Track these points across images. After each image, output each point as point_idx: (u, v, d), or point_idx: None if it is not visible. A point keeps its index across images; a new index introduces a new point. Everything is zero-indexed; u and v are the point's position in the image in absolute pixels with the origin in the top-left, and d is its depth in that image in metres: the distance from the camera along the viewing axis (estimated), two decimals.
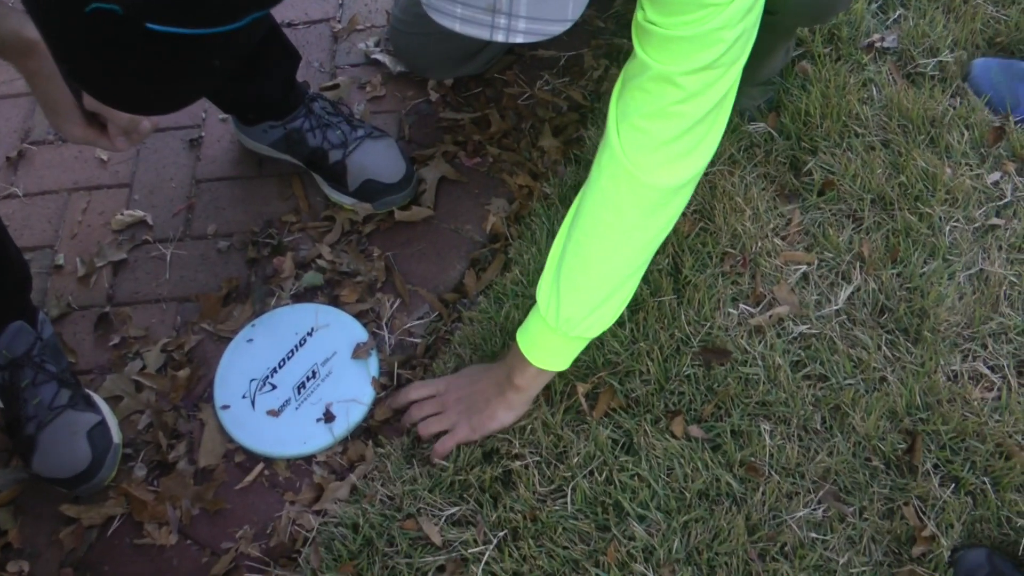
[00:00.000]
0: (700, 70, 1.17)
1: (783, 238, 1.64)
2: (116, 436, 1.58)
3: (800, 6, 1.47)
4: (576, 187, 1.66)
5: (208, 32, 0.77)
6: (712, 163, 1.68)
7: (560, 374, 1.49)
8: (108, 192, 1.92)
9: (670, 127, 1.23)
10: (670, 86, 1.19)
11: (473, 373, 1.53)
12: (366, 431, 1.58)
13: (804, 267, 1.61)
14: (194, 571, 1.48)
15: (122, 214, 1.86)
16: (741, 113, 1.77)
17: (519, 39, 0.94)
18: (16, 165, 1.95)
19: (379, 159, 1.77)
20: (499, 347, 1.57)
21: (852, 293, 1.58)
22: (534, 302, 1.40)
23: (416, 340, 1.66)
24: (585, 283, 1.35)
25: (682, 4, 1.12)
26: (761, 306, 1.58)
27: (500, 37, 0.94)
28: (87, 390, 1.61)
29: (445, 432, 1.50)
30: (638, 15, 1.18)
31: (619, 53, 1.92)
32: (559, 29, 0.95)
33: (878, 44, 1.87)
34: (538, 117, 1.87)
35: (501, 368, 1.48)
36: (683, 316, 1.56)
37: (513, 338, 1.45)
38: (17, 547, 1.51)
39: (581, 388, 1.52)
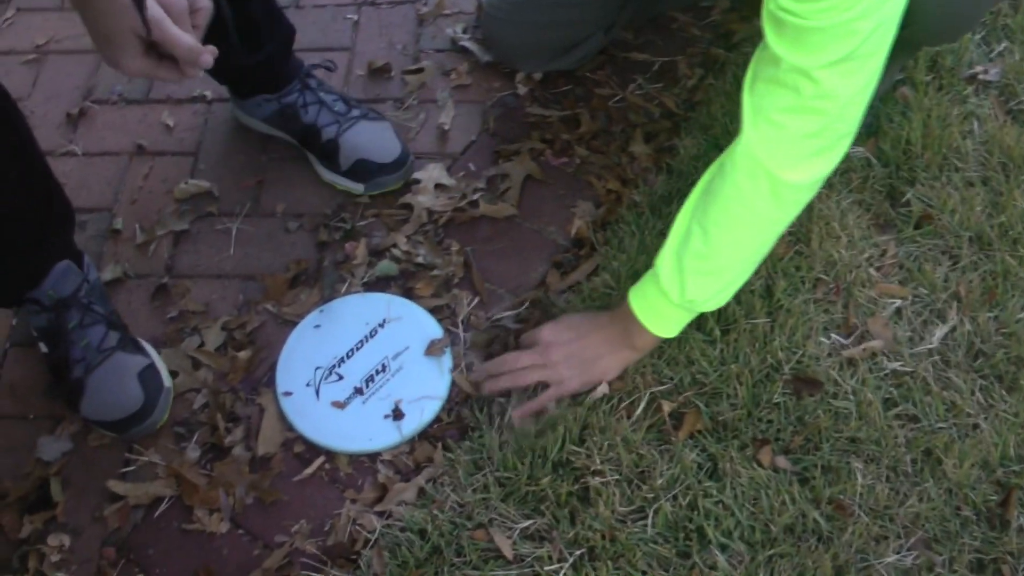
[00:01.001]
0: (836, 63, 1.14)
1: (877, 269, 1.59)
2: (167, 380, 1.54)
3: (934, 21, 1.41)
4: (668, 198, 1.64)
5: None
6: None
7: (642, 388, 1.47)
8: (172, 159, 1.85)
9: (808, 123, 1.20)
10: (806, 80, 1.16)
11: (577, 325, 1.49)
12: (434, 435, 1.51)
13: (898, 301, 1.55)
14: (245, 563, 1.41)
15: (186, 183, 1.80)
16: None
17: None
18: (76, 123, 1.89)
19: (373, 139, 1.73)
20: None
21: (947, 333, 1.53)
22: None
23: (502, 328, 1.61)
24: (713, 270, 1.34)
25: None
26: (853, 337, 1.52)
27: None
28: (134, 335, 1.55)
29: (544, 386, 1.46)
30: (769, 3, 1.15)
31: (715, 64, 1.87)
32: None
33: (981, 76, 1.82)
34: (629, 121, 1.81)
35: (612, 328, 1.45)
36: (776, 341, 1.50)
37: None
38: (61, 520, 1.45)
39: (667, 407, 1.46)
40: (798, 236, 1.61)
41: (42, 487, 1.47)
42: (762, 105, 1.21)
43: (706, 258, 1.32)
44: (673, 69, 1.89)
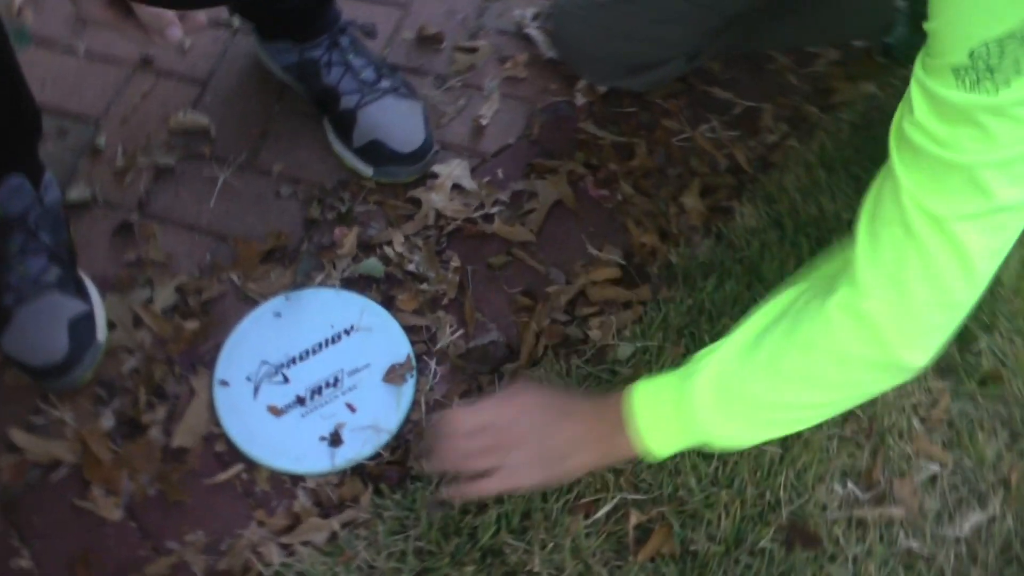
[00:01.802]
0: (978, 216, 0.89)
1: (922, 420, 1.36)
2: (102, 334, 1.40)
3: None
4: (707, 269, 1.42)
5: None
6: None
7: (611, 487, 1.27)
8: (178, 83, 1.68)
9: (938, 293, 0.95)
10: (939, 235, 0.90)
11: (550, 408, 1.20)
12: (369, 473, 1.33)
13: (936, 467, 1.32)
14: (127, 561, 1.26)
15: (185, 114, 1.62)
16: None
17: None
18: (85, 21, 1.69)
19: (396, 120, 1.53)
20: None
21: (982, 523, 1.30)
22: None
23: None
24: (764, 419, 1.08)
25: (971, 110, 0.84)
26: (872, 494, 1.30)
27: None
28: (82, 273, 1.42)
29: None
30: (903, 120, 0.91)
31: (803, 122, 1.62)
32: None
33: None
34: (689, 167, 1.57)
35: (593, 425, 1.16)
36: (781, 477, 1.28)
37: None
38: None
39: (634, 517, 1.26)
40: None
41: None
42: (884, 260, 0.95)
43: (765, 407, 1.06)
44: (755, 117, 1.64)
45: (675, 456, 1.27)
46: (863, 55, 1.67)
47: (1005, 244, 0.93)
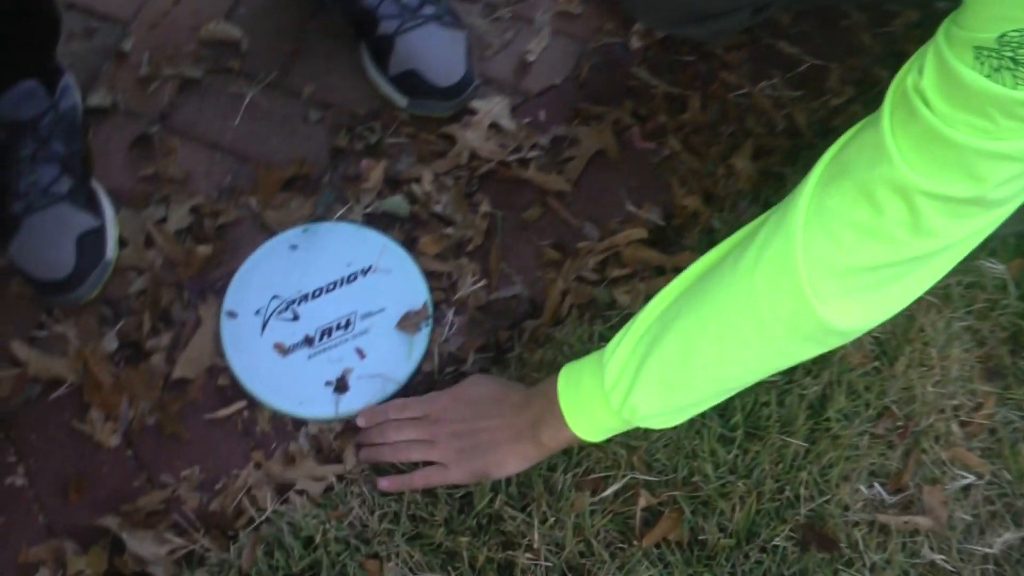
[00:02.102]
0: (952, 200, 0.81)
1: (963, 425, 1.27)
2: (111, 251, 1.35)
3: None
4: None
5: None
6: None
7: (623, 465, 1.19)
8: None
9: (876, 251, 0.87)
10: (901, 203, 0.83)
11: (477, 401, 1.18)
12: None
13: (971, 478, 1.24)
14: (120, 490, 1.24)
15: (217, 23, 1.54)
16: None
17: None
18: None
19: (435, 51, 1.44)
20: None
21: (1015, 542, 1.21)
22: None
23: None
24: (677, 384, 1.00)
25: (980, 98, 0.75)
26: (899, 499, 1.22)
27: None
28: (97, 185, 1.37)
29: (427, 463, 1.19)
30: (908, 78, 0.81)
31: (871, 87, 1.50)
32: None
33: None
34: (744, 126, 1.46)
35: (522, 412, 1.14)
36: (804, 472, 1.20)
37: None
38: None
39: (644, 499, 1.19)
40: (883, 348, 1.29)
41: None
42: (830, 208, 0.88)
43: (676, 367, 0.99)
44: (821, 77, 1.52)
45: (695, 433, 1.21)
46: (945, 18, 1.55)
47: (970, 238, 0.86)
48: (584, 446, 1.18)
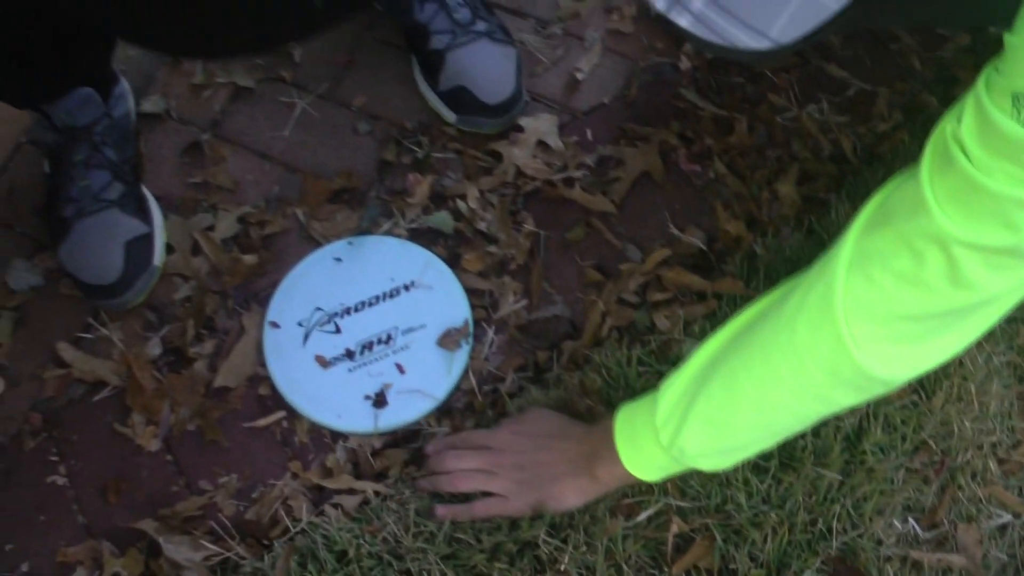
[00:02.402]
0: (989, 251, 0.81)
1: (1000, 462, 1.26)
2: (159, 257, 1.38)
3: None
4: (792, 264, 1.30)
5: None
6: None
7: (656, 492, 1.20)
8: None
9: (914, 301, 0.86)
10: (940, 252, 0.83)
11: (539, 435, 1.20)
12: (411, 437, 1.29)
13: (1008, 517, 1.23)
14: (159, 495, 1.26)
15: None
16: None
17: (682, 21, 0.72)
18: None
19: (486, 68, 1.44)
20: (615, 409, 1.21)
21: None
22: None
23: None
24: (723, 425, 1.01)
25: (1016, 147, 0.75)
26: (933, 535, 1.22)
27: (660, 3, 0.71)
28: (147, 191, 1.39)
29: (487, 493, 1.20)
30: (947, 125, 0.81)
31: (919, 113, 1.48)
32: (747, 42, 0.71)
33: None
34: (790, 150, 1.46)
35: (580, 446, 1.16)
36: (838, 505, 1.20)
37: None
38: (2, 363, 1.34)
39: (676, 525, 1.19)
40: (922, 382, 1.28)
41: None
42: (869, 253, 0.88)
43: (721, 408, 1.00)
44: (869, 102, 1.51)
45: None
46: (997, 44, 1.53)
47: (1012, 292, 0.86)
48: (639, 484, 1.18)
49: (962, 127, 0.79)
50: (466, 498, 1.19)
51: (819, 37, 1.38)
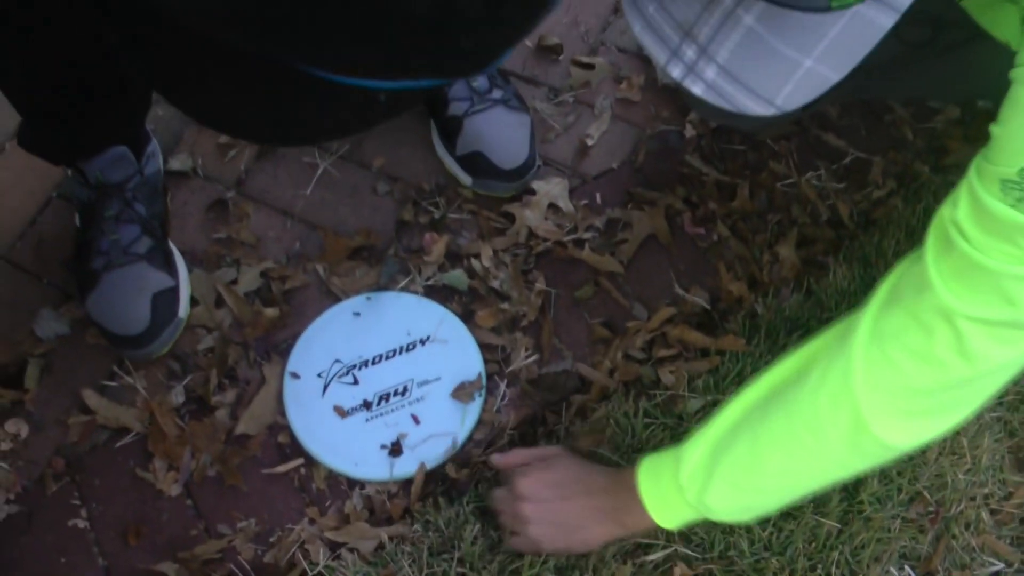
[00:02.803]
0: (992, 324, 0.87)
1: (992, 513, 1.31)
2: (183, 310, 1.41)
3: None
4: (792, 326, 1.36)
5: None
6: None
7: (665, 544, 1.24)
8: None
9: (927, 376, 0.93)
10: (946, 326, 0.89)
11: (563, 484, 1.23)
12: (426, 484, 1.32)
13: (1001, 566, 1.28)
14: (178, 538, 1.29)
15: None
16: None
17: (696, 89, 0.77)
18: None
19: (501, 135, 1.50)
20: (627, 460, 1.27)
21: None
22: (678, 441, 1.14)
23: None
24: (747, 486, 1.07)
25: (1008, 227, 0.83)
26: None
27: (676, 72, 0.77)
28: (172, 246, 1.43)
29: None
30: (945, 211, 0.89)
31: (913, 181, 1.56)
32: (755, 108, 0.76)
33: None
34: (790, 214, 1.53)
35: (606, 498, 1.20)
36: (837, 552, 1.25)
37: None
38: (28, 408, 1.36)
39: (680, 571, 1.23)
40: None
41: (23, 363, 1.39)
42: (884, 331, 0.95)
43: (746, 471, 1.06)
44: (864, 169, 1.59)
45: None
46: (984, 116, 1.61)
47: (1013, 359, 0.92)
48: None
49: (958, 212, 0.87)
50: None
51: (817, 106, 1.46)
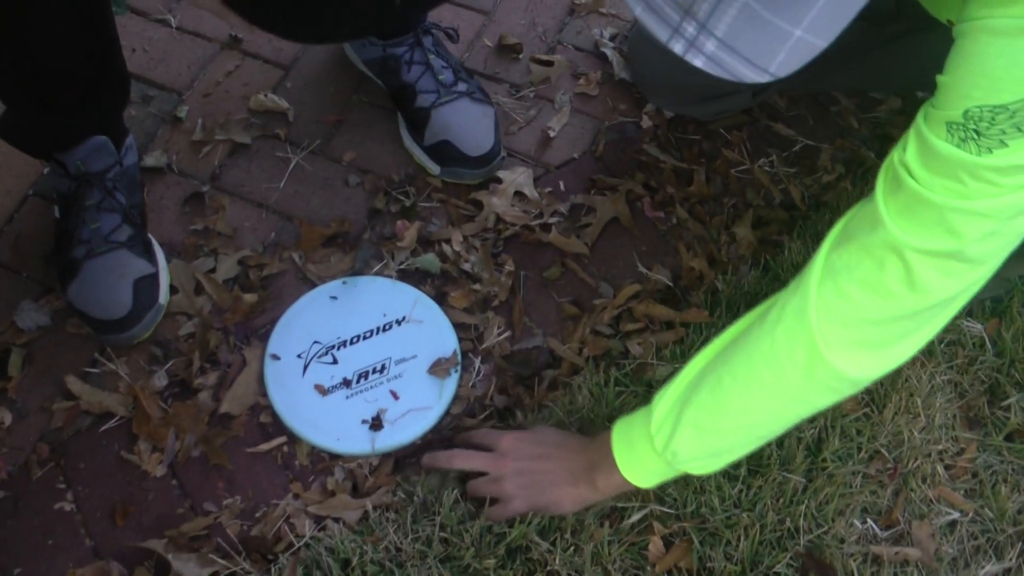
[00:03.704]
0: (938, 255, 0.95)
1: (947, 468, 1.38)
2: (163, 296, 1.45)
3: None
4: (751, 297, 1.43)
5: None
6: None
7: (640, 505, 1.29)
8: (262, 66, 1.73)
9: (878, 307, 1.01)
10: (896, 259, 0.97)
11: (541, 444, 1.30)
12: (403, 460, 1.37)
13: (956, 514, 1.35)
14: (165, 516, 1.31)
15: (265, 95, 1.67)
16: None
17: (697, 62, 0.80)
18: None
19: (467, 124, 1.57)
20: (598, 429, 1.31)
21: (997, 573, 1.32)
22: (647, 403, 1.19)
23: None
24: (711, 428, 1.13)
25: (953, 165, 0.91)
26: (891, 533, 1.33)
27: (678, 47, 0.80)
28: (151, 236, 1.46)
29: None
30: (895, 154, 0.97)
31: (859, 166, 1.65)
32: (751, 76, 0.81)
33: None
34: (745, 198, 1.61)
35: (580, 456, 1.26)
36: (803, 505, 1.31)
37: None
38: (11, 396, 1.38)
39: (657, 530, 1.29)
40: (873, 396, 1.41)
41: (5, 353, 1.41)
42: (837, 266, 1.02)
43: (709, 412, 1.12)
44: (813, 156, 1.68)
45: (697, 477, 1.31)
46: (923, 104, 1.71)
47: (960, 294, 1.00)
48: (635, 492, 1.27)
49: (907, 154, 0.95)
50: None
51: (767, 96, 1.55)
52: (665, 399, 1.16)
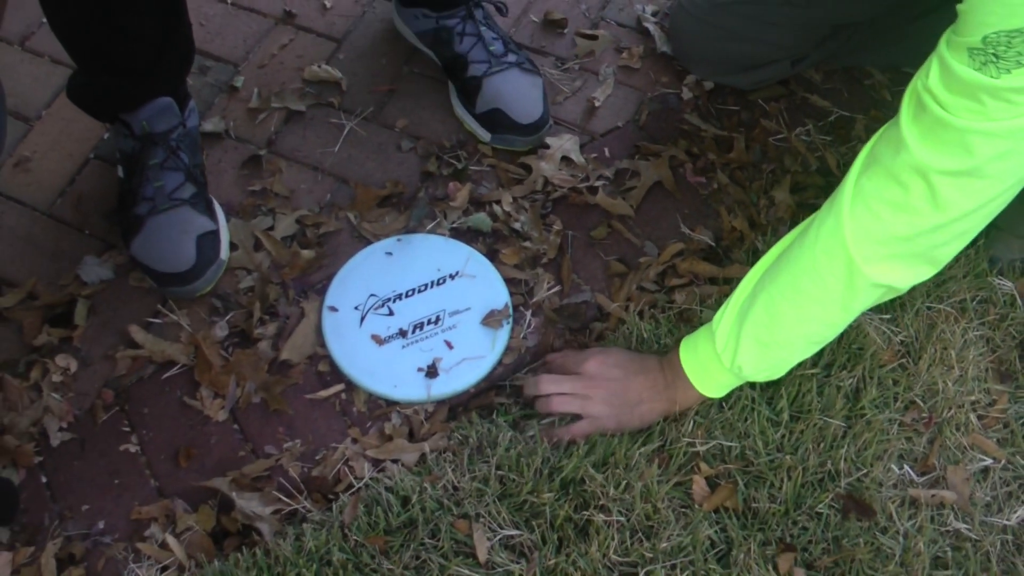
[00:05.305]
0: (959, 174, 1.03)
1: (980, 418, 1.43)
2: (224, 252, 1.50)
3: None
4: None
5: None
6: (940, 300, 1.48)
7: (686, 449, 1.35)
8: (315, 39, 1.79)
9: (905, 224, 1.09)
10: (921, 181, 1.05)
11: (625, 364, 1.38)
12: (460, 403, 1.42)
13: (989, 461, 1.40)
14: (227, 459, 1.36)
15: (319, 66, 1.73)
16: (992, 261, 1.56)
17: None
18: None
19: (518, 93, 1.63)
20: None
21: None
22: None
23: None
24: (769, 341, 1.23)
25: (974, 88, 0.97)
26: (926, 479, 1.37)
27: None
28: (212, 196, 1.52)
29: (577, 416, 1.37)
30: (918, 80, 1.05)
31: None
32: None
33: None
34: (783, 164, 1.67)
35: (659, 375, 1.35)
36: (843, 449, 1.36)
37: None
38: (76, 345, 1.43)
39: (704, 469, 1.34)
40: (908, 349, 1.46)
41: (70, 304, 1.46)
42: (866, 189, 1.12)
43: (766, 327, 1.22)
44: (848, 126, 1.74)
45: (746, 416, 1.36)
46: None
47: (979, 210, 1.07)
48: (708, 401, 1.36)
49: (930, 80, 1.02)
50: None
51: (804, 67, 1.60)
52: (725, 319, 1.26)
